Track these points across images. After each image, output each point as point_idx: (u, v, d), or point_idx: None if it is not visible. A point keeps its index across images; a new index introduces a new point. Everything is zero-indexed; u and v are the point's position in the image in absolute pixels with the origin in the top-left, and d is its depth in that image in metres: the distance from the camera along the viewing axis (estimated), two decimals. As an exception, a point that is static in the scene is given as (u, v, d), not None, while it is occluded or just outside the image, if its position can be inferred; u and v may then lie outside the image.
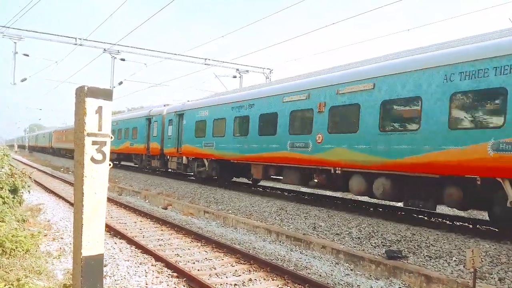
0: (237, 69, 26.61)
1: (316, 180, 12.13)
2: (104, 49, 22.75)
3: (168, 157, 21.32)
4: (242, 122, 15.07)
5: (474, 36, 9.18)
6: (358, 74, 10.64)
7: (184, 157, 19.44)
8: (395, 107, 9.67)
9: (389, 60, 10.24)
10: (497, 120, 7.63)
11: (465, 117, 8.22)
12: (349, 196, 14.28)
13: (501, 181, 7.50)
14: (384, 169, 9.67)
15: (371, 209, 12.19)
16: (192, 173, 19.62)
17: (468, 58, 8.14)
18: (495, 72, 7.66)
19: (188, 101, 20.88)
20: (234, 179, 18.43)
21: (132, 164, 28.68)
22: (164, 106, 23.43)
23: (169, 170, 22.09)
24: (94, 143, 3.43)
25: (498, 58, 7.60)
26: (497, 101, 7.72)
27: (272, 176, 14.91)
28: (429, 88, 8.73)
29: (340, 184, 11.43)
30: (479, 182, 7.86)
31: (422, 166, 8.78)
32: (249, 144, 14.50)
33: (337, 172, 10.98)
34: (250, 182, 18.04)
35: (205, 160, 17.72)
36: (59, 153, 51.84)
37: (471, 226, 9.74)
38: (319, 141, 11.52)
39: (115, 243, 8.79)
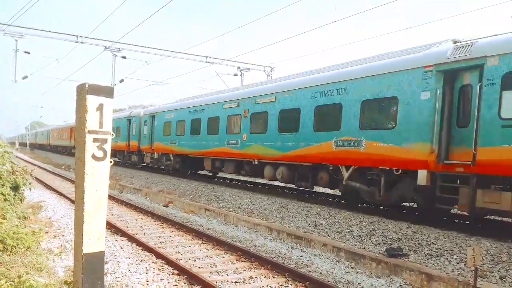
0: (238, 67, 26.57)
1: (244, 170, 15.70)
2: (105, 47, 22.74)
3: (144, 153, 24.73)
4: (196, 124, 18.49)
5: (336, 64, 12.71)
6: (267, 90, 14.34)
7: (155, 153, 23.05)
8: (286, 114, 13.13)
9: (285, 81, 14.06)
10: (337, 125, 11.11)
11: (322, 122, 11.76)
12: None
13: (341, 168, 11.08)
14: (282, 160, 13.19)
15: (372, 206, 12.18)
16: (162, 166, 22.80)
17: (323, 82, 11.80)
18: (337, 92, 11.28)
19: (167, 104, 23.88)
20: (201, 172, 21.47)
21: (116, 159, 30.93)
22: (144, 108, 27.03)
23: (144, 164, 25.52)
24: (95, 140, 3.42)
25: (338, 82, 11.28)
26: (337, 112, 11.18)
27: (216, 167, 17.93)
28: (304, 102, 12.33)
29: (259, 172, 14.82)
30: (331, 168, 11.51)
31: (301, 157, 12.33)
32: (201, 141, 17.93)
33: (255, 163, 14.44)
34: (210, 174, 20.87)
35: (170, 155, 21.36)
36: (56, 149, 55.08)
37: (469, 223, 9.73)
38: (244, 139, 15.02)
39: (116, 240, 8.81)
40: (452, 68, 8.62)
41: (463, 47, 8.56)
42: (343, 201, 12.50)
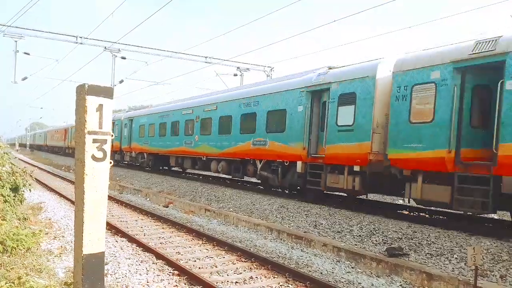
0: (238, 67, 26.57)
1: (197, 165, 19.24)
2: (105, 48, 22.75)
3: (125, 152, 28.36)
4: (163, 127, 22.14)
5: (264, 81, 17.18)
6: (212, 100, 18.14)
7: (133, 152, 26.89)
8: (223, 120, 16.63)
9: (224, 93, 18.17)
10: (253, 129, 14.60)
11: (245, 127, 15.23)
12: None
13: (256, 161, 14.73)
14: (222, 156, 16.66)
15: (372, 206, 12.19)
16: (138, 164, 26.41)
17: (246, 96, 15.50)
18: (253, 104, 14.87)
19: (142, 110, 28.24)
20: (175, 169, 24.57)
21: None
22: (127, 112, 31.65)
23: (126, 162, 28.85)
24: (94, 141, 3.42)
25: (254, 97, 14.98)
26: (253, 119, 14.66)
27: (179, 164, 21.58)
28: (234, 111, 15.91)
29: (207, 166, 18.20)
30: (251, 162, 15.03)
31: (233, 154, 15.80)
32: (166, 142, 21.54)
33: (204, 159, 18.14)
34: (181, 170, 23.88)
35: (145, 154, 25.19)
36: (53, 150, 58.17)
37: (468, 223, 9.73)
38: (196, 140, 18.54)
39: (116, 241, 8.80)
40: (316, 90, 12.17)
41: (322, 74, 12.10)
42: (341, 200, 12.54)
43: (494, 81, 8.00)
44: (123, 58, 23.66)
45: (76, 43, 21.61)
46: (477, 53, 8.14)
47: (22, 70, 30.26)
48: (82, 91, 3.40)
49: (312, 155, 12.11)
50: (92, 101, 3.40)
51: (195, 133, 18.61)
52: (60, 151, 51.44)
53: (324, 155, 11.46)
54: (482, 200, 7.97)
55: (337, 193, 13.13)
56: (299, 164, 12.48)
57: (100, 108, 3.44)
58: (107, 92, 3.50)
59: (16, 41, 21.19)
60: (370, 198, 13.38)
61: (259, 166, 14.55)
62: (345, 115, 10.98)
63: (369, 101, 10.34)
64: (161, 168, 24.62)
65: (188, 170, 23.16)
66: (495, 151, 7.68)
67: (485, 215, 9.92)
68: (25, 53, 22.98)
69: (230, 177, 18.07)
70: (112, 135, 3.55)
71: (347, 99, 10.95)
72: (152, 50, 23.88)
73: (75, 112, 3.54)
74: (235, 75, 26.92)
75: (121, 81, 26.13)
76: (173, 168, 24.28)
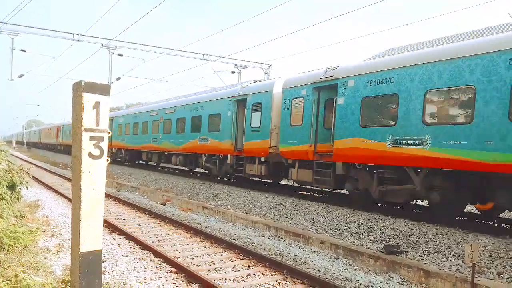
0: (236, 64, 26.50)
1: (162, 159, 22.97)
2: (102, 45, 22.62)
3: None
4: (135, 126, 25.76)
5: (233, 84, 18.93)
6: (172, 104, 21.58)
7: (113, 148, 30.09)
8: (179, 121, 19.97)
9: (181, 99, 21.60)
10: (199, 129, 17.88)
11: (194, 127, 18.46)
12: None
13: (202, 155, 18.07)
14: (179, 151, 20.09)
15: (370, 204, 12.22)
16: (119, 159, 29.61)
17: (196, 101, 18.84)
18: (199, 108, 18.20)
19: (120, 111, 32.59)
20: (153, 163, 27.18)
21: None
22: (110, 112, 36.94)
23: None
24: (91, 138, 3.41)
25: (200, 102, 18.32)
26: (199, 121, 18.01)
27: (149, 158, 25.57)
28: (187, 114, 19.24)
29: (169, 160, 21.75)
30: (199, 156, 18.54)
31: (187, 150, 19.18)
32: (138, 139, 25.17)
33: (166, 153, 22.05)
34: (155, 164, 26.34)
35: (122, 150, 29.03)
36: (46, 147, 62.38)
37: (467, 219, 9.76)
38: (160, 138, 21.93)
39: (113, 238, 8.79)
40: (239, 99, 15.63)
41: (243, 87, 15.73)
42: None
43: (334, 97, 11.20)
44: (120, 55, 23.55)
45: (73, 40, 21.48)
46: (325, 78, 11.56)
47: (19, 67, 30.15)
48: (79, 89, 3.38)
49: (238, 150, 15.55)
50: (88, 99, 3.38)
51: (160, 132, 22.15)
52: (54, 148, 54.97)
53: (243, 150, 15.06)
54: (329, 179, 11.43)
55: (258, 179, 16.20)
56: (229, 156, 16.22)
57: (96, 105, 3.42)
58: (104, 90, 3.48)
59: (12, 38, 21.03)
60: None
61: (204, 159, 18.18)
62: (256, 119, 14.50)
63: (269, 109, 13.89)
64: (137, 162, 28.20)
65: (163, 165, 25.75)
66: (332, 145, 11.07)
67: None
68: (21, 50, 22.86)
69: (186, 168, 21.49)
70: (109, 133, 3.53)
71: (257, 107, 14.49)
72: (150, 47, 23.78)
73: (71, 109, 3.52)
74: (233, 72, 26.84)
75: (118, 78, 26.00)
76: (142, 162, 27.84)
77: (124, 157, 28.99)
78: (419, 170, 9.41)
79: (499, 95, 7.53)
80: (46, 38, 21.77)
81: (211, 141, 17.02)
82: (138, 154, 26.90)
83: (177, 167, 23.20)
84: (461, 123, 8.15)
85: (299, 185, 15.05)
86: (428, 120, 8.79)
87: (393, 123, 9.54)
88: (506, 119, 7.38)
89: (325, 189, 13.72)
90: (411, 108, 9.08)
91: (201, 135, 17.84)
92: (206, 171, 19.35)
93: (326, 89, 11.66)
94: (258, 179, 16.12)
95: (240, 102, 15.54)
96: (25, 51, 23.18)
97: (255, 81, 16.02)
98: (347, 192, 12.01)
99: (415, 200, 10.42)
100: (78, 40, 21.59)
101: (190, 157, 19.62)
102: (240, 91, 15.59)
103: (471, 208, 12.41)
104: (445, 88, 8.45)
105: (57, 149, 52.26)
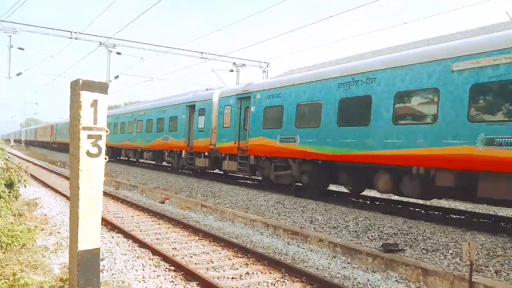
0: (234, 63, 26.47)
1: (137, 155, 26.48)
2: (100, 43, 22.57)
3: None
4: (115, 126, 29.04)
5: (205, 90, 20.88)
6: (143, 107, 25.77)
7: None
8: (149, 122, 23.51)
9: (151, 103, 25.67)
10: (163, 129, 21.41)
11: (159, 127, 21.90)
12: (346, 190, 14.33)
13: (165, 151, 21.95)
14: (149, 148, 23.53)
15: (368, 202, 12.25)
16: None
17: (160, 106, 22.80)
18: (163, 112, 21.92)
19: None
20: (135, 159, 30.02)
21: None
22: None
23: None
24: (89, 136, 3.40)
25: (162, 107, 22.28)
26: (162, 122, 21.61)
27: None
28: (154, 116, 22.74)
29: (141, 155, 25.26)
30: (163, 152, 22.21)
31: (154, 146, 22.65)
32: (118, 137, 28.43)
33: (139, 150, 25.50)
34: (135, 160, 28.97)
35: (107, 147, 31.85)
36: (42, 145, 65.22)
37: (464, 217, 9.78)
38: (134, 136, 25.67)
39: (112, 237, 8.78)
40: (190, 105, 19.24)
41: (194, 95, 19.41)
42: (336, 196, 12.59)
43: (249, 105, 14.74)
44: (119, 53, 23.51)
45: (71, 38, 21.42)
46: (244, 91, 15.28)
47: (17, 65, 30.08)
48: (77, 87, 3.37)
49: (190, 146, 19.00)
50: (86, 97, 3.37)
51: (134, 131, 25.74)
52: (48, 146, 58.50)
53: (193, 146, 18.65)
54: (247, 168, 14.93)
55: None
56: (183, 152, 19.75)
57: (94, 103, 3.41)
58: (102, 88, 3.47)
59: (10, 36, 20.97)
60: (368, 195, 13.41)
61: (166, 154, 21.82)
62: (201, 122, 18.03)
63: (210, 114, 17.44)
64: (118, 158, 31.09)
65: (142, 160, 28.71)
66: (248, 142, 14.58)
67: (482, 212, 9.99)
68: (19, 48, 22.81)
69: (154, 162, 25.28)
70: (107, 131, 3.52)
71: (202, 112, 18.10)
72: (148, 45, 23.74)
73: (69, 107, 3.51)
74: (231, 71, 26.81)
75: (117, 77, 25.96)
76: (123, 158, 30.54)
77: (107, 154, 32.94)
78: (295, 160, 12.82)
79: (334, 109, 11.15)
80: (44, 36, 21.84)
81: (171, 139, 20.71)
82: (118, 151, 29.87)
83: (148, 161, 27.14)
84: (314, 126, 11.73)
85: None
86: (298, 124, 12.42)
87: (280, 126, 13.12)
88: (336, 125, 11.04)
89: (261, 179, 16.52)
90: (290, 116, 12.71)
91: (163, 134, 21.51)
92: (169, 164, 22.56)
93: (245, 100, 15.16)
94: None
95: (191, 107, 19.13)
96: (23, 49, 23.16)
97: (206, 90, 19.56)
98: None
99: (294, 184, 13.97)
100: (76, 38, 21.53)
101: (157, 153, 23.14)
102: (191, 98, 19.31)
103: (469, 206, 12.44)
104: (308, 103, 12.14)
105: (51, 147, 55.73)
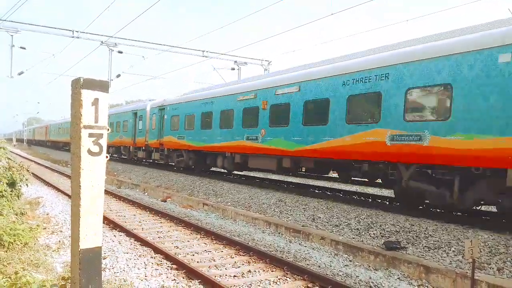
0: (235, 61, 26.47)
1: (120, 152, 30.05)
2: (102, 42, 22.61)
3: None
4: (117, 125, 30.47)
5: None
6: (126, 109, 29.23)
7: None
8: (116, 124, 29.26)
9: (127, 106, 32.47)
10: (122, 130, 28.44)
11: (118, 128, 29.06)
12: (347, 187, 14.32)
13: (121, 147, 29.55)
14: (113, 144, 29.53)
15: (370, 199, 12.23)
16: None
17: (139, 108, 25.80)
18: (137, 114, 25.71)
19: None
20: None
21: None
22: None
23: None
24: (90, 135, 3.39)
25: (139, 110, 25.61)
26: (119, 125, 29.12)
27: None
28: (118, 119, 29.23)
29: (127, 152, 28.70)
30: (126, 147, 28.48)
31: (116, 143, 29.43)
32: (114, 136, 30.46)
33: (126, 146, 28.59)
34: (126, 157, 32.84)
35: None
36: (38, 143, 71.39)
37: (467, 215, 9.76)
38: (122, 134, 28.45)
39: (114, 235, 8.79)
40: (135, 112, 25.49)
41: (138, 104, 26.62)
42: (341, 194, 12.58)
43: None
44: (120, 52, 23.54)
45: (73, 37, 21.45)
46: (162, 104, 21.72)
47: (18, 64, 30.11)
48: (77, 85, 3.36)
49: (134, 143, 25.22)
50: (87, 95, 3.36)
51: (115, 131, 29.80)
52: (44, 144, 65.48)
53: (136, 143, 24.96)
54: (164, 157, 21.64)
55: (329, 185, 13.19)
56: (131, 147, 26.45)
57: (95, 102, 3.40)
58: (103, 86, 3.46)
59: (12, 35, 21.02)
60: (369, 192, 13.40)
61: (121, 148, 28.64)
62: (140, 125, 24.45)
63: (145, 119, 23.73)
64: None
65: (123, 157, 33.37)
66: (163, 139, 21.11)
67: (480, 209, 9.97)
68: (21, 47, 22.82)
69: (126, 157, 29.13)
70: (108, 129, 3.52)
71: (141, 118, 24.40)
72: (149, 44, 23.77)
73: (70, 106, 3.50)
74: (233, 69, 26.81)
75: (118, 76, 26.01)
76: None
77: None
78: (186, 151, 19.42)
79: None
80: (46, 35, 21.78)
81: (123, 138, 27.64)
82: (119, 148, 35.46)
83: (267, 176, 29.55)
84: (195, 129, 18.21)
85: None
86: (186, 127, 19.11)
87: (177, 128, 19.63)
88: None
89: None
90: (182, 121, 19.26)
91: (120, 133, 28.27)
92: (125, 157, 28.77)
93: (162, 110, 21.51)
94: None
95: (135, 114, 25.47)
96: (24, 48, 23.14)
97: (150, 100, 25.87)
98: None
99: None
100: (77, 37, 21.57)
101: (117, 148, 29.90)
102: (135, 107, 26.16)
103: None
104: (191, 114, 18.72)
105: (46, 144, 63.54)
